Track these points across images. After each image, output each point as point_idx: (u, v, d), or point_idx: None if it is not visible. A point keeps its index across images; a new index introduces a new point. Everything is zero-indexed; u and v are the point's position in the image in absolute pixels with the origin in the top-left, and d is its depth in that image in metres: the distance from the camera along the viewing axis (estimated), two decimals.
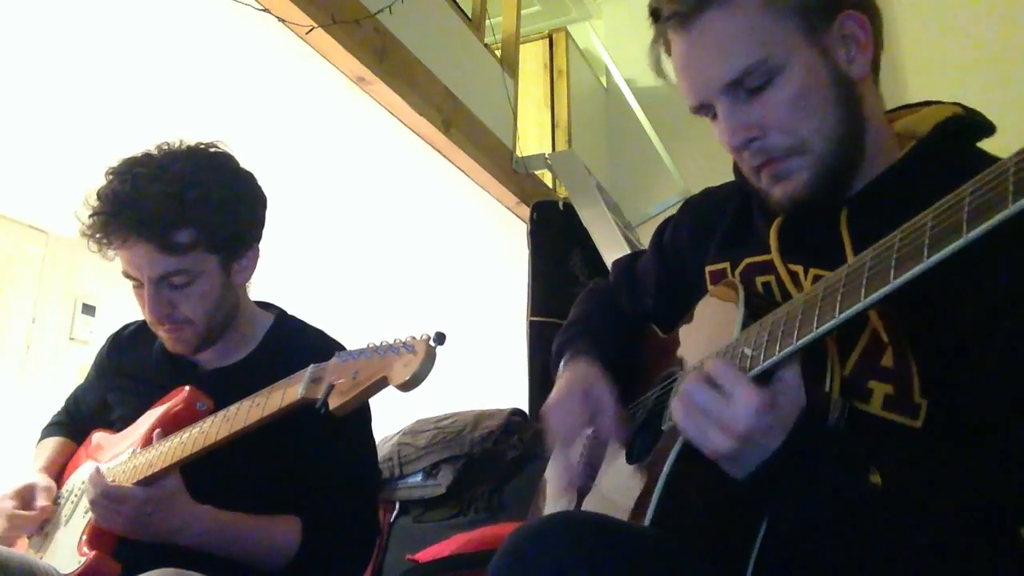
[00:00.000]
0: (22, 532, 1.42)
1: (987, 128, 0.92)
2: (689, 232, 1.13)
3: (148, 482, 1.21)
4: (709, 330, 0.95)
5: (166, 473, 1.21)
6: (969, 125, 0.91)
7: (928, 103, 0.98)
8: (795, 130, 0.87)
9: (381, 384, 1.06)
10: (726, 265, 1.01)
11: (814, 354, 0.78)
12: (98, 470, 1.24)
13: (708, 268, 1.03)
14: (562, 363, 1.11)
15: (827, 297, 0.72)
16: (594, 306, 1.23)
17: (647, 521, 0.80)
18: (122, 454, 1.35)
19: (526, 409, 2.71)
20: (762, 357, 0.77)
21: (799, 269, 0.92)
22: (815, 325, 0.72)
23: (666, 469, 0.82)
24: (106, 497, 1.19)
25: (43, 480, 1.45)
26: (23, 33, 2.14)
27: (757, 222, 1.01)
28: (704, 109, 0.92)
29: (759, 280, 0.95)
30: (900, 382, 0.81)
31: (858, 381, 0.83)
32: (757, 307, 0.86)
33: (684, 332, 1.02)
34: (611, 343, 1.11)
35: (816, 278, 0.90)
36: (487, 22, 3.42)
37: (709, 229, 1.08)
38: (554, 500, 1.15)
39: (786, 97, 0.86)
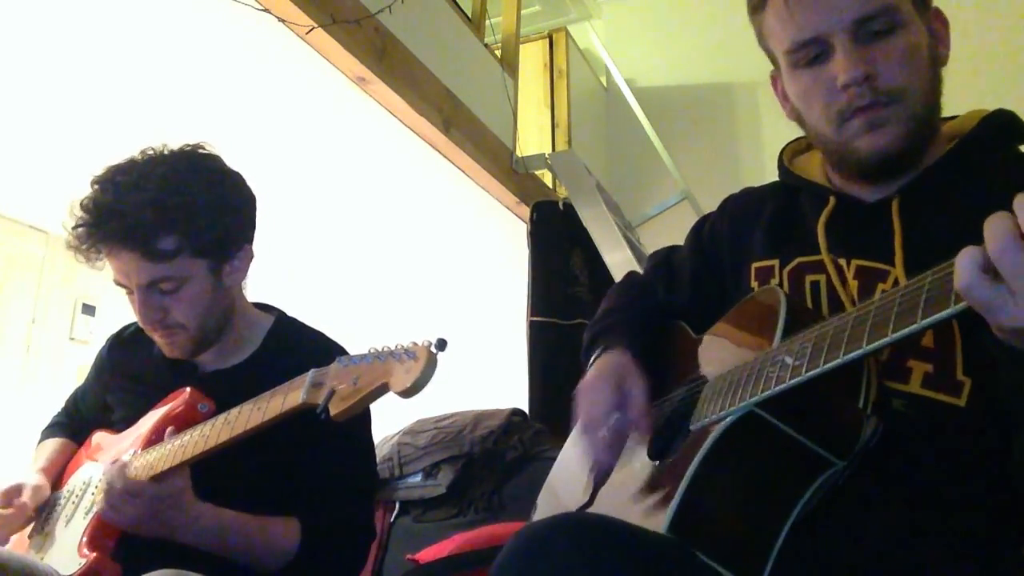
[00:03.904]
0: (6, 531, 1.42)
1: None
2: (728, 229, 1.13)
3: (156, 480, 1.21)
4: (745, 335, 0.94)
5: (176, 471, 1.21)
6: (1012, 121, 0.95)
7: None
8: (902, 80, 0.91)
9: (382, 390, 1.06)
10: (775, 263, 1.01)
11: (849, 369, 0.76)
12: (120, 462, 1.24)
13: (754, 265, 1.03)
14: (595, 353, 1.10)
15: (879, 314, 0.70)
16: (629, 298, 1.22)
17: (667, 520, 0.79)
18: (123, 455, 1.34)
19: (526, 409, 2.71)
20: (804, 368, 0.75)
21: (844, 263, 0.94)
22: (865, 342, 0.70)
23: (692, 470, 0.80)
24: (125, 491, 1.19)
25: (34, 479, 1.45)
26: (23, 33, 2.14)
27: (806, 218, 1.01)
28: (812, 46, 0.93)
29: (808, 279, 0.96)
30: (941, 360, 0.82)
31: (896, 361, 0.84)
32: (799, 316, 0.85)
33: (718, 334, 1.00)
34: (644, 335, 1.10)
35: (859, 269, 0.92)
36: (487, 22, 3.42)
37: (748, 227, 1.08)
38: (565, 491, 1.13)
39: (903, 47, 0.91)
